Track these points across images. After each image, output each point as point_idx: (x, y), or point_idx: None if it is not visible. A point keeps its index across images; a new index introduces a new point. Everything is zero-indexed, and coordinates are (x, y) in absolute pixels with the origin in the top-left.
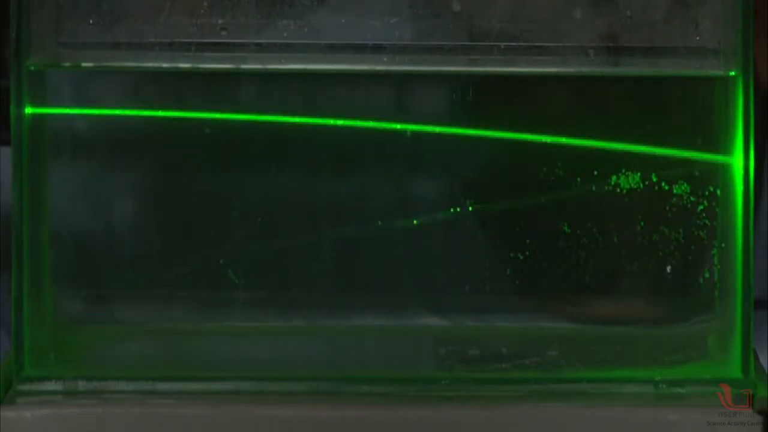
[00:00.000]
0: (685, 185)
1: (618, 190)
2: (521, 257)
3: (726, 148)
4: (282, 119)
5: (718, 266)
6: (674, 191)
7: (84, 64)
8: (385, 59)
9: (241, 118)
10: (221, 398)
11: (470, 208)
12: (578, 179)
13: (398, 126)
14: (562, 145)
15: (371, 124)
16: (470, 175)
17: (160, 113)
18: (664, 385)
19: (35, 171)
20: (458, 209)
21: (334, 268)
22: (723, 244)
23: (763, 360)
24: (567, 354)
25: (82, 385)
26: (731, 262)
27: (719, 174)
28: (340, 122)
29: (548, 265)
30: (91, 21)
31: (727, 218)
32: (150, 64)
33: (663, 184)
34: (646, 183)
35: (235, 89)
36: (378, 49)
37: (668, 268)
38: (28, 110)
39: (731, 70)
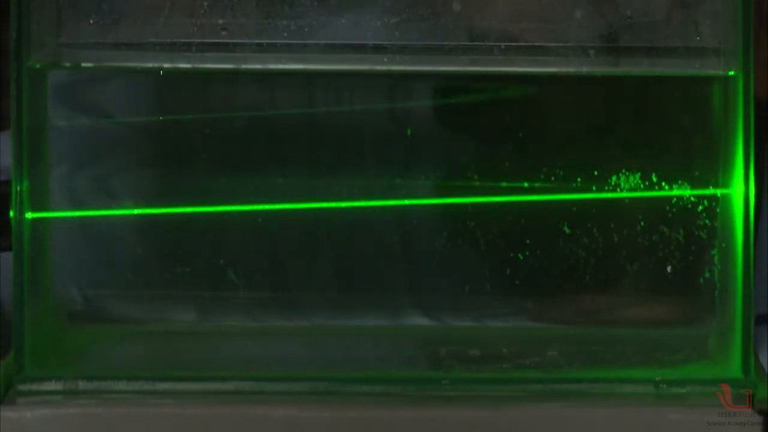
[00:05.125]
0: (686, 185)
1: (618, 190)
2: (521, 257)
3: (726, 148)
4: (281, 113)
5: (718, 266)
6: (674, 191)
7: (84, 64)
8: (385, 59)
9: (241, 116)
10: (221, 398)
11: (470, 208)
12: (578, 179)
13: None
14: (562, 144)
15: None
16: (470, 175)
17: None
18: (664, 385)
19: (35, 182)
20: (457, 209)
21: (334, 268)
22: (723, 244)
23: None
24: (567, 354)
25: (82, 385)
26: (731, 262)
27: (719, 174)
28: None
29: (548, 265)
30: (91, 21)
31: (728, 218)
32: (150, 64)
33: (663, 184)
34: (647, 183)
35: (234, 89)
36: (378, 49)
37: (668, 269)
38: (29, 215)
39: (731, 70)
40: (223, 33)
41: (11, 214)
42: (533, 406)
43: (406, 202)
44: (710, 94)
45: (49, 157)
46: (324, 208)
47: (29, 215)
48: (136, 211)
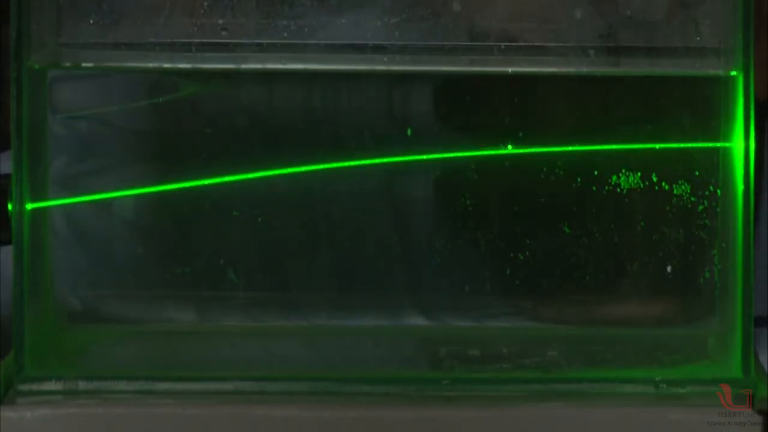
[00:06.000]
0: (686, 185)
1: (618, 190)
2: (521, 257)
3: (726, 148)
4: (280, 113)
5: (718, 266)
6: (674, 191)
7: (84, 64)
8: (385, 59)
9: (240, 115)
10: (221, 398)
11: (470, 208)
12: (578, 179)
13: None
14: (562, 144)
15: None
16: (469, 175)
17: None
18: (664, 385)
19: (35, 175)
20: (458, 209)
21: (334, 268)
22: (723, 244)
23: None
24: (567, 354)
25: (82, 385)
26: (731, 262)
27: (719, 174)
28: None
29: (548, 265)
30: (91, 21)
31: (728, 218)
32: (150, 64)
33: (663, 184)
34: (647, 183)
35: (235, 89)
36: (378, 49)
37: (668, 269)
38: (29, 206)
39: (731, 70)
40: (223, 33)
41: (9, 207)
42: (533, 406)
43: (401, 158)
44: (710, 94)
45: (49, 157)
46: (323, 209)
47: (29, 206)
48: (132, 192)
